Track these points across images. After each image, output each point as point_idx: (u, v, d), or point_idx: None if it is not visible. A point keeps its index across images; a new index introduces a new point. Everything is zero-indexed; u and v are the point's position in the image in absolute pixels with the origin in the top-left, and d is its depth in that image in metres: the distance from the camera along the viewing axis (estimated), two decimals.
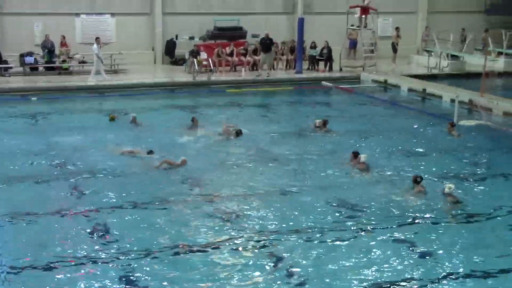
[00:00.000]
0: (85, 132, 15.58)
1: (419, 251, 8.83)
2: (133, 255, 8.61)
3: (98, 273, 8.14)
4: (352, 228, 9.66)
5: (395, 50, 27.23)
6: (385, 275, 8.11)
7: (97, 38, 22.39)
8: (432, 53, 26.10)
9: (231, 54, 25.10)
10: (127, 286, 7.83)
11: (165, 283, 7.91)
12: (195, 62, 23.23)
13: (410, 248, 8.91)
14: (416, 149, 14.36)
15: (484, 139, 15.40)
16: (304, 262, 8.44)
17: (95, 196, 10.98)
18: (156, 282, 7.92)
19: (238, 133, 14.92)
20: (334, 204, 10.65)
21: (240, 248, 8.90)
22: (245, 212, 10.27)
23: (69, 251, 8.72)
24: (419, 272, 8.19)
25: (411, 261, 8.51)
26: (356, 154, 12.69)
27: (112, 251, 8.75)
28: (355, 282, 7.93)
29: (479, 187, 11.70)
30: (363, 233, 9.44)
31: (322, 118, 15.98)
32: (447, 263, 8.42)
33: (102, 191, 11.19)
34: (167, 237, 9.24)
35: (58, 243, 8.97)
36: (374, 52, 26.10)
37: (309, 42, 25.64)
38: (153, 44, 26.68)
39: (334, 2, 28.10)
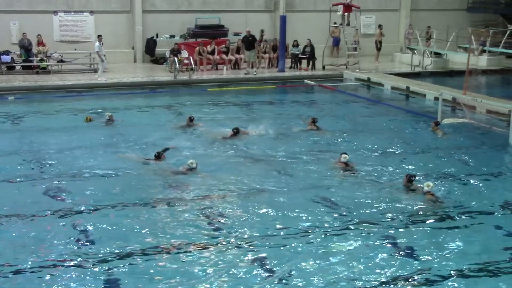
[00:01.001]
0: (63, 133, 15.34)
1: (400, 250, 8.77)
2: (114, 257, 8.44)
3: (79, 275, 7.97)
4: (335, 228, 9.53)
5: (378, 48, 27.22)
6: (369, 276, 8.03)
7: (99, 36, 22.21)
8: (415, 51, 26.08)
9: (212, 53, 24.91)
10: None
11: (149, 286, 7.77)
12: (176, 61, 23.04)
13: (393, 247, 8.86)
14: (400, 148, 14.22)
15: (467, 137, 15.33)
16: (288, 263, 8.34)
17: (74, 198, 10.75)
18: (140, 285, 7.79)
19: (235, 132, 14.58)
20: (317, 205, 10.50)
21: (224, 249, 8.78)
22: (228, 213, 10.10)
23: (48, 253, 8.55)
24: (400, 271, 8.13)
25: (390, 261, 8.44)
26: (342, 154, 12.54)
27: (93, 253, 8.58)
28: (341, 283, 7.86)
29: (462, 185, 11.60)
30: (346, 233, 9.32)
31: (312, 117, 15.82)
32: (426, 263, 8.38)
33: (82, 192, 10.97)
34: (151, 239, 9.08)
35: (36, 246, 8.78)
36: (357, 50, 26.04)
37: (291, 40, 25.44)
38: (133, 43, 26.40)
39: (316, 0, 27.90)
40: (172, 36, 25.93)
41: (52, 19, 24.99)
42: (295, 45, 25.56)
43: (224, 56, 25.02)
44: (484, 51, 26.58)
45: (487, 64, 25.96)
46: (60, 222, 9.66)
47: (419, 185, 10.90)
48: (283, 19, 24.55)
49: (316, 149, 13.94)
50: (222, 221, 9.78)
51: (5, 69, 23.22)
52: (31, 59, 23.58)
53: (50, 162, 12.89)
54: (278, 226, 9.53)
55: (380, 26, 27.36)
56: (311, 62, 25.37)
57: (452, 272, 8.08)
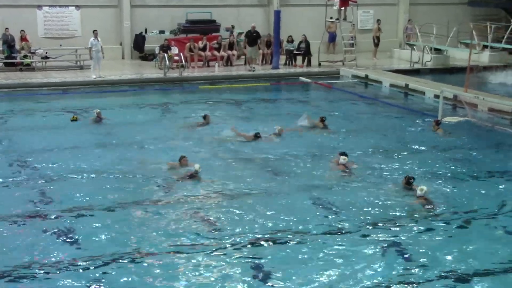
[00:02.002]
0: (48, 132, 15.15)
1: (399, 251, 8.81)
2: (102, 260, 8.40)
3: (68, 277, 7.94)
4: (334, 230, 9.54)
5: (376, 44, 26.84)
6: (366, 276, 8.06)
7: (94, 31, 21.64)
8: (415, 47, 25.70)
9: (203, 49, 24.37)
10: None
11: None
12: (166, 57, 22.58)
13: (392, 248, 8.89)
14: (398, 148, 14.20)
15: (469, 136, 15.23)
16: (285, 264, 8.37)
17: (59, 199, 10.61)
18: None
19: (257, 135, 14.30)
20: (314, 206, 10.52)
21: (219, 251, 8.76)
22: (225, 215, 10.05)
23: (34, 256, 8.49)
24: (399, 272, 8.19)
25: (388, 262, 8.47)
26: (341, 155, 12.45)
27: (79, 255, 8.53)
28: (339, 284, 7.89)
29: (462, 186, 11.57)
30: (343, 234, 9.39)
31: (320, 116, 15.80)
32: (421, 265, 8.38)
33: (68, 193, 10.84)
34: (140, 241, 9.03)
35: (20, 249, 8.73)
36: (354, 46, 25.71)
37: (286, 36, 24.95)
38: (121, 39, 25.74)
39: None
40: (162, 32, 25.38)
41: (36, 13, 24.25)
42: (290, 41, 25.12)
43: (216, 52, 24.52)
44: (486, 46, 26.14)
45: (489, 60, 25.76)
46: (44, 226, 9.51)
47: (417, 188, 10.88)
48: (277, 14, 24.15)
49: (318, 149, 13.80)
50: (219, 223, 9.73)
51: None
52: (14, 55, 22.92)
53: (34, 163, 12.62)
54: (278, 227, 9.54)
55: (378, 21, 26.98)
56: (306, 58, 24.98)
57: (451, 273, 8.10)
